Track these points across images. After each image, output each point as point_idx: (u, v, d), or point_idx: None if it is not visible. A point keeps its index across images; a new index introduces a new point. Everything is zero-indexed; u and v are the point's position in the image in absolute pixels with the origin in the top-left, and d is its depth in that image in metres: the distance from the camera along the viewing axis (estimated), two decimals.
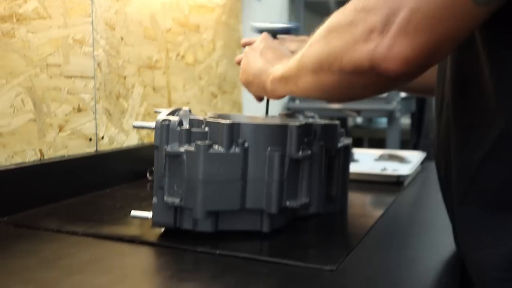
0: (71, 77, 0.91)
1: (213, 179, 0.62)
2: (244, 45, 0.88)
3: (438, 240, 0.72)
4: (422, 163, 1.30)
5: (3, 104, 0.78)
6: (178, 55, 1.23)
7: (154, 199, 0.65)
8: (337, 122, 0.75)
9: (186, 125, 0.68)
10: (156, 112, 0.78)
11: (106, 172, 0.98)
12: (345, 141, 0.81)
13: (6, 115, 0.78)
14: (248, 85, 0.78)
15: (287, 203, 0.66)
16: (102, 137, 0.99)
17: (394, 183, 1.06)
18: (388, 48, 0.47)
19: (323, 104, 1.89)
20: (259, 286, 0.52)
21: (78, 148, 0.93)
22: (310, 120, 0.78)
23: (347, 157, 0.81)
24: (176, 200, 0.64)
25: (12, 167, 0.79)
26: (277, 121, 0.76)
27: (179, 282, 0.53)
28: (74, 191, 0.90)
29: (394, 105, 1.78)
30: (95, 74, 0.96)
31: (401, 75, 0.48)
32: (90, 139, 0.96)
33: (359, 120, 2.75)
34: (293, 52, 0.79)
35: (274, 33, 0.87)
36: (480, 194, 0.55)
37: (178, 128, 0.64)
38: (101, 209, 0.83)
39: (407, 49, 0.46)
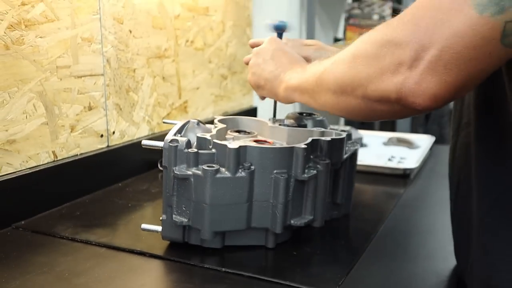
0: (81, 77, 0.92)
1: (219, 202, 0.64)
2: (253, 46, 0.88)
3: (437, 252, 0.74)
4: (431, 148, 1.31)
5: (16, 111, 0.80)
6: (187, 41, 1.22)
7: (163, 216, 0.68)
8: (343, 135, 0.76)
9: (193, 141, 0.69)
10: (164, 123, 0.80)
11: (118, 166, 1.01)
12: (352, 148, 0.82)
13: (19, 122, 0.80)
14: (258, 88, 0.77)
15: (292, 221, 0.68)
16: (113, 132, 1.01)
17: (400, 176, 1.08)
18: (416, 83, 0.48)
19: None
20: None
21: (90, 145, 0.95)
22: (317, 131, 0.78)
23: (354, 163, 0.82)
24: (184, 220, 0.66)
25: (27, 171, 0.82)
26: (284, 134, 0.77)
27: None
28: (88, 188, 0.93)
29: None
30: (105, 71, 0.97)
31: (427, 108, 0.49)
32: (102, 136, 0.98)
33: None
34: (305, 58, 0.79)
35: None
36: (506, 212, 0.56)
37: (186, 150, 0.66)
38: (113, 210, 0.86)
39: (435, 86, 0.47)
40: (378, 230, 0.78)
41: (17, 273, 0.63)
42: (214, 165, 0.65)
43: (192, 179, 0.65)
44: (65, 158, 0.90)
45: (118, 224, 0.79)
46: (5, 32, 0.77)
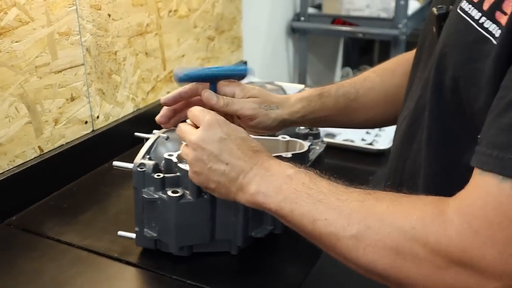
0: (61, 71, 0.94)
1: (184, 223, 0.71)
2: (167, 104, 0.71)
3: None
4: None
5: None
6: (170, 11, 1.22)
7: (136, 228, 0.75)
8: (306, 148, 0.79)
9: (160, 162, 0.74)
10: (136, 136, 0.84)
11: (103, 148, 1.06)
12: (318, 149, 0.86)
13: (2, 126, 0.85)
14: (207, 189, 0.65)
15: (253, 233, 0.75)
16: (97, 117, 1.05)
17: (374, 154, 1.12)
18: None
19: (329, 25, 1.86)
20: None
21: (75, 133, 1.00)
22: (283, 141, 0.80)
23: (320, 163, 0.87)
24: (154, 235, 0.73)
25: (15, 170, 0.88)
26: None
27: None
28: (77, 174, 0.99)
29: (399, 28, 1.74)
30: (85, 60, 0.99)
31: None
32: (86, 122, 1.03)
33: None
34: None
35: (211, 79, 0.69)
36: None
37: (153, 175, 0.71)
38: (98, 201, 0.93)
39: None
40: None
41: (9, 283, 0.72)
42: (178, 190, 0.70)
43: (159, 202, 0.71)
44: (51, 151, 0.95)
45: (101, 220, 0.87)
46: None
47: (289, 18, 1.92)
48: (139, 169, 0.71)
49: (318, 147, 0.87)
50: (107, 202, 0.93)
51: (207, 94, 0.68)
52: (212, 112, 0.65)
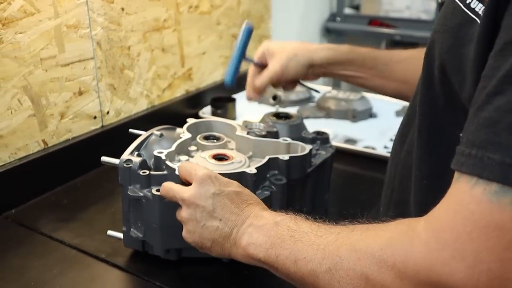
0: (68, 64, 0.93)
1: (169, 224, 0.67)
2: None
3: None
4: None
5: (0, 109, 0.83)
6: (190, 7, 1.18)
7: (124, 228, 0.71)
8: (306, 151, 0.73)
9: (150, 160, 0.70)
10: (130, 133, 0.81)
11: (112, 144, 1.02)
12: (324, 154, 0.80)
13: (4, 118, 0.84)
14: (203, 249, 0.62)
15: None
16: (108, 112, 1.03)
17: None
18: None
19: (365, 27, 1.78)
20: None
21: (83, 128, 0.99)
22: (283, 143, 0.75)
23: (326, 170, 0.80)
24: (140, 235, 0.69)
25: (16, 163, 0.87)
26: (250, 145, 0.76)
27: None
28: (82, 170, 0.97)
29: None
30: (95, 54, 0.97)
31: None
32: (95, 117, 1.01)
33: None
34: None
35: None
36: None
37: (139, 171, 0.67)
38: (98, 198, 0.90)
39: None
40: None
41: None
42: None
43: (143, 200, 0.67)
44: (56, 145, 0.94)
45: (98, 219, 0.84)
46: None
47: (324, 18, 1.86)
48: (125, 165, 0.68)
49: (324, 152, 0.80)
50: (108, 200, 0.90)
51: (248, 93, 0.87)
52: (204, 167, 0.63)
